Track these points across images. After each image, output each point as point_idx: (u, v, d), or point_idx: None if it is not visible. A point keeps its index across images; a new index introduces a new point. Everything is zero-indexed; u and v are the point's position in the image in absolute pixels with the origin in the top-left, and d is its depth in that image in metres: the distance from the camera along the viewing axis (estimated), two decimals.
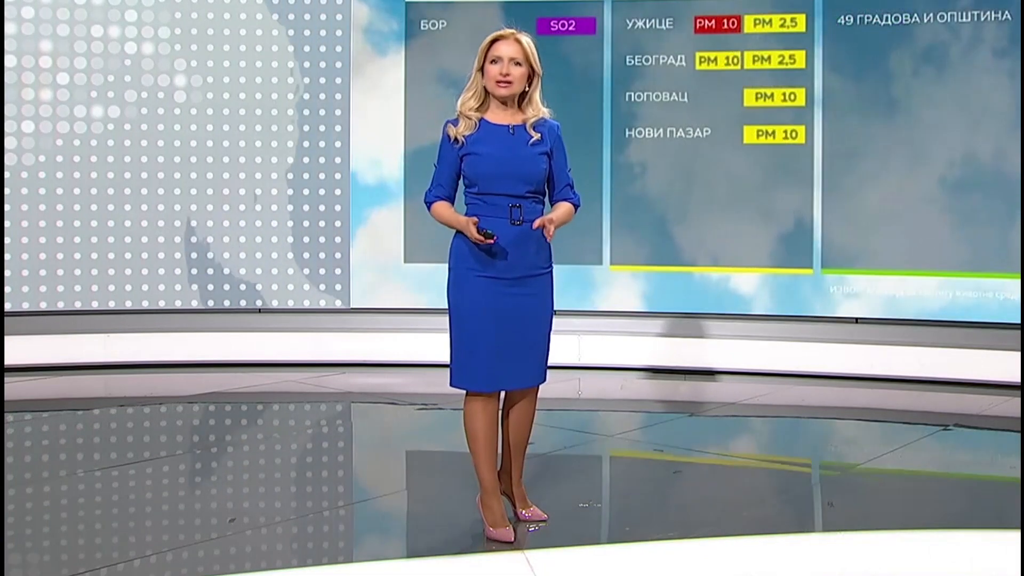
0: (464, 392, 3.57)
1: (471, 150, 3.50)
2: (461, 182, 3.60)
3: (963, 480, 4.77)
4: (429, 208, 3.60)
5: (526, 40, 3.53)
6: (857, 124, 6.68)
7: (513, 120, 3.56)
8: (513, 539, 3.52)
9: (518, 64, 3.50)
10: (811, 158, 6.75)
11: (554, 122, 3.61)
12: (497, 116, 3.56)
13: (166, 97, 7.00)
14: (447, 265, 3.60)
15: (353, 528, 3.93)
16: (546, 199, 3.64)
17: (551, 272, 3.63)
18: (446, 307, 3.58)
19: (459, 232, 3.54)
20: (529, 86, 3.55)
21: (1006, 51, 6.41)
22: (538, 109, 3.57)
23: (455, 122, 3.56)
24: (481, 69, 3.54)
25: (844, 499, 4.24)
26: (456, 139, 3.52)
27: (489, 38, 3.55)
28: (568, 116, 6.95)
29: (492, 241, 3.40)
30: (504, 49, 3.50)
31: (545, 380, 3.68)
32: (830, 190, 6.73)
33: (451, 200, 3.59)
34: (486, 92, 3.55)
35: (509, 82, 3.50)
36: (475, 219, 3.41)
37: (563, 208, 3.60)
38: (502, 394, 3.63)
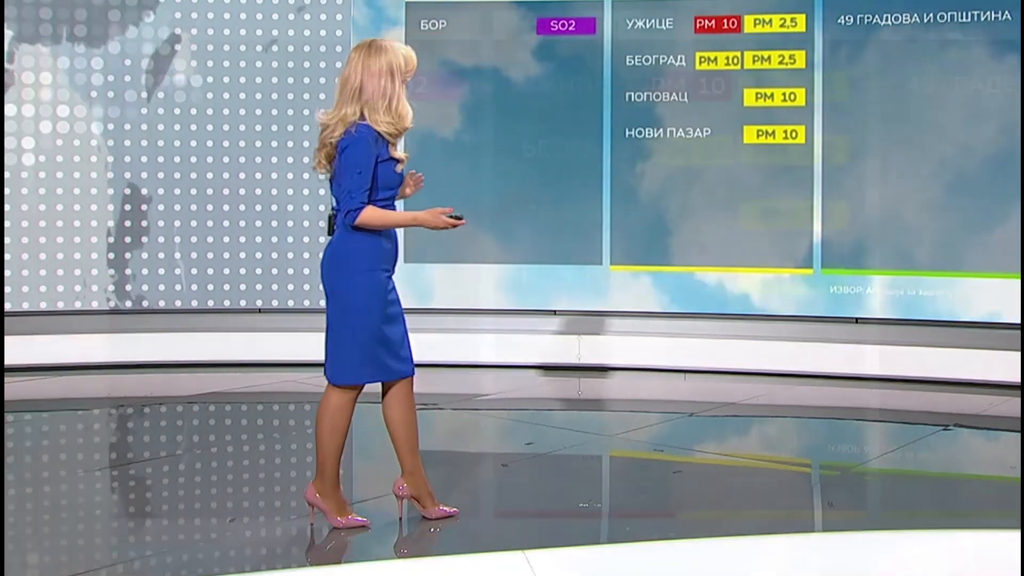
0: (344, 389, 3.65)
1: (393, 156, 3.59)
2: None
3: (963, 480, 4.77)
4: (358, 214, 3.52)
5: None
6: (857, 124, 6.68)
7: None
8: (368, 524, 3.68)
9: None
10: (811, 158, 6.74)
11: None
12: None
13: (166, 97, 7.00)
14: (337, 268, 3.62)
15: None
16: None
17: None
18: (335, 308, 3.62)
19: (360, 234, 3.56)
20: None
21: (1006, 51, 6.41)
22: None
23: (376, 136, 3.53)
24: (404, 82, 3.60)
25: (844, 499, 4.24)
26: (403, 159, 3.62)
27: (412, 56, 3.60)
28: (568, 116, 7.01)
29: (464, 222, 3.58)
30: None
31: None
32: (830, 190, 6.73)
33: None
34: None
35: None
36: (449, 208, 3.58)
37: None
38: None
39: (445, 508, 3.78)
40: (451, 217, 3.54)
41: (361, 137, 3.52)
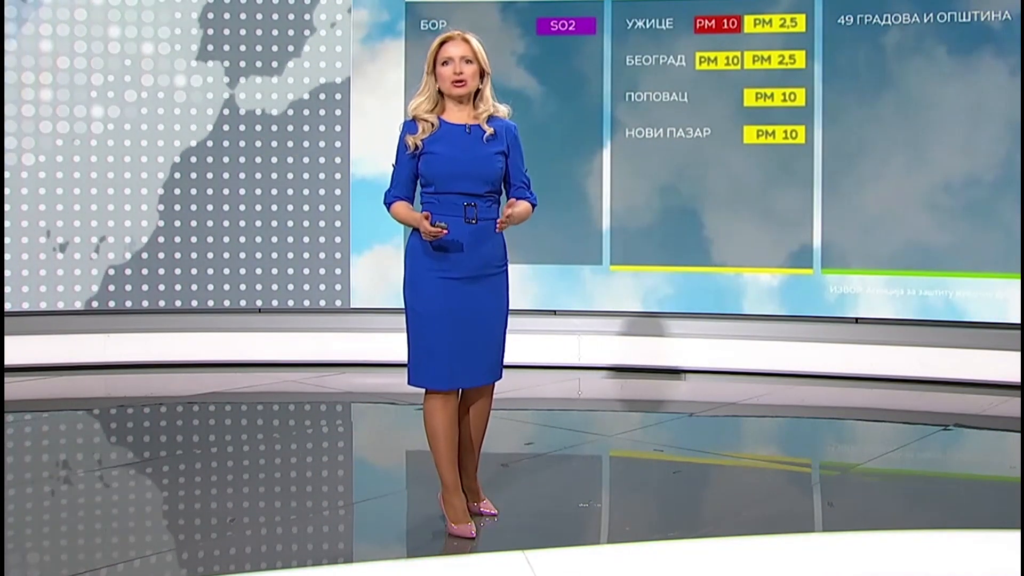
0: (423, 391, 3.59)
1: (428, 150, 3.55)
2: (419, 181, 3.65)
3: (963, 480, 4.77)
4: (389, 208, 3.66)
5: (474, 39, 3.59)
6: (857, 124, 6.68)
7: (469, 119, 3.61)
8: (474, 535, 3.56)
9: (469, 62, 3.55)
10: (811, 158, 6.75)
11: (511, 122, 3.66)
12: (454, 115, 3.60)
13: (166, 97, 7.00)
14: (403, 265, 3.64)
15: (353, 528, 3.93)
16: (502, 197, 3.68)
17: (506, 270, 3.67)
18: (403, 307, 3.61)
19: (415, 231, 3.58)
20: (481, 83, 3.60)
21: (1006, 51, 6.41)
22: (489, 105, 3.62)
23: (412, 126, 3.58)
24: (432, 72, 3.58)
25: (844, 499, 4.24)
26: (416, 145, 3.55)
27: (437, 41, 3.58)
28: (568, 116, 7.01)
29: (446, 232, 3.44)
30: (453, 50, 3.55)
31: (501, 377, 3.71)
32: (830, 190, 6.73)
33: (409, 200, 3.64)
34: (440, 94, 3.59)
35: (463, 81, 3.55)
36: (427, 214, 3.46)
37: (522, 205, 3.65)
38: (459, 391, 3.67)
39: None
40: (435, 225, 3.43)
41: (401, 132, 3.60)
